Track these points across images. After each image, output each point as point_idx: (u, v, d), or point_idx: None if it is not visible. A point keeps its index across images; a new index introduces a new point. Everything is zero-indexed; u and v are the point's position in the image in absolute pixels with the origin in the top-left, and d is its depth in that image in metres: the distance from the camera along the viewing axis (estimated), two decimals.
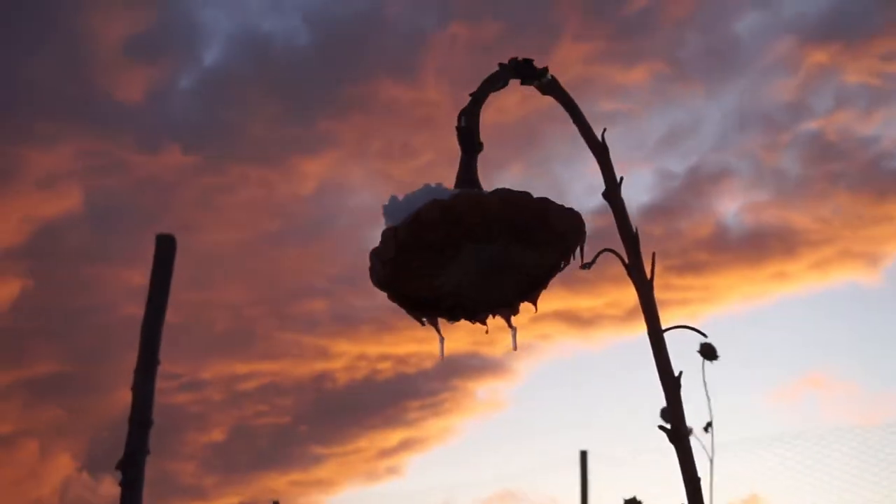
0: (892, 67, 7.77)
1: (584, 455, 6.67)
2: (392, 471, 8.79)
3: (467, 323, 0.96)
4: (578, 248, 0.93)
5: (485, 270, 0.92)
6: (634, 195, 1.08)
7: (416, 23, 8.60)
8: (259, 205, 9.05)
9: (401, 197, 0.89)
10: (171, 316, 1.78)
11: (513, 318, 0.96)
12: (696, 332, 1.02)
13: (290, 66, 8.60)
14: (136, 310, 1.81)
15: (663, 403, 1.00)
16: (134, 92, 8.81)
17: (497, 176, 0.96)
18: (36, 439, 7.97)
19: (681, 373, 0.98)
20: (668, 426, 0.98)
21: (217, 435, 8.72)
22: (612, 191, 1.01)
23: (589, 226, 0.93)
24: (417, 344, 8.30)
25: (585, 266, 0.95)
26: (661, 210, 7.79)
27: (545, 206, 0.89)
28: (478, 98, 0.97)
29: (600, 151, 1.01)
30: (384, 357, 8.65)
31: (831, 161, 8.12)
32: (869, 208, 8.10)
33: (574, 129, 1.01)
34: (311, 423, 8.88)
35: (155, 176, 8.72)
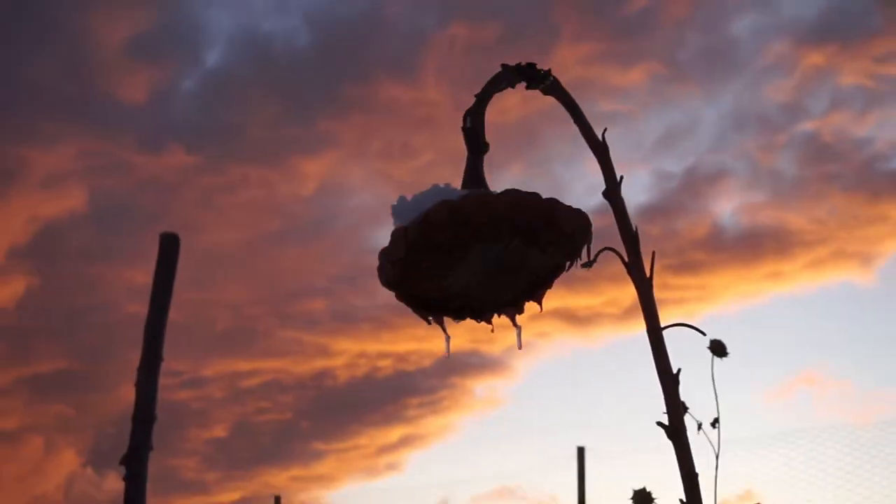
0: (886, 69, 7.81)
1: (581, 452, 6.67)
2: (391, 467, 8.82)
3: (466, 321, 0.96)
4: (585, 248, 0.94)
5: (492, 271, 0.92)
6: (632, 195, 1.09)
7: (415, 23, 8.62)
8: (260, 204, 9.08)
9: (409, 197, 0.89)
10: (173, 314, 1.80)
11: (516, 317, 0.97)
12: (694, 331, 1.03)
13: (291, 67, 8.63)
14: (140, 308, 1.82)
15: (660, 401, 1.00)
16: (136, 92, 8.84)
17: (497, 176, 0.97)
18: (41, 435, 8.01)
19: (679, 370, 0.99)
20: (667, 423, 0.98)
21: (219, 431, 8.76)
22: (613, 190, 1.01)
23: None
24: (417, 342, 8.32)
25: (587, 265, 0.95)
26: (658, 210, 7.81)
27: (553, 207, 0.89)
28: (482, 98, 0.97)
29: (601, 151, 1.02)
30: (384, 355, 8.67)
31: (826, 162, 8.16)
32: (863, 209, 8.14)
33: (573, 129, 1.02)
34: (312, 420, 8.92)
35: (157, 176, 8.76)
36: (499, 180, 0.96)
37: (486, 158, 0.97)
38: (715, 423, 1.54)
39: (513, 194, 0.88)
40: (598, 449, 6.77)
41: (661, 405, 0.99)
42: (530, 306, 0.97)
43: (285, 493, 8.03)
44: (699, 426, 1.53)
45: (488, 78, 0.98)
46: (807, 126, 8.22)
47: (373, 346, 8.68)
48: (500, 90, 0.98)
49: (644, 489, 1.09)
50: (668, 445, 0.99)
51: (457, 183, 0.94)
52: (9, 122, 8.34)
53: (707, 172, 8.40)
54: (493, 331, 0.96)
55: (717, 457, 1.52)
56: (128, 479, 1.71)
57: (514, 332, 0.96)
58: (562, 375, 8.83)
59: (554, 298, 0.99)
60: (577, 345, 8.64)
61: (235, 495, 8.41)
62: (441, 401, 8.74)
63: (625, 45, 8.36)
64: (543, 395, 9.02)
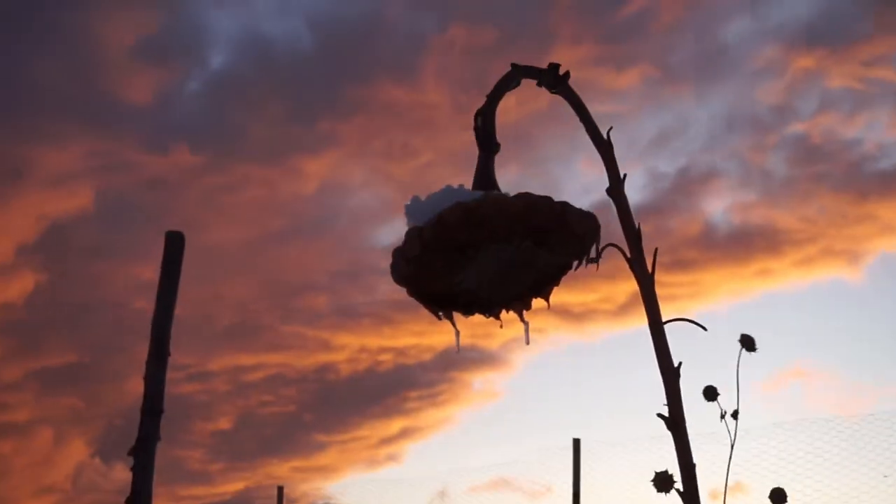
0: (874, 73, 7.88)
1: (576, 443, 6.69)
2: (391, 458, 8.87)
3: (462, 316, 0.98)
4: (594, 248, 0.95)
5: (503, 270, 0.93)
6: (626, 195, 1.10)
7: (415, 26, 8.65)
8: (263, 203, 9.13)
9: (423, 197, 0.90)
10: (178, 310, 1.82)
11: (524, 313, 0.98)
12: (695, 325, 1.03)
13: (293, 69, 8.67)
14: (146, 304, 1.85)
15: (653, 394, 1.01)
16: (142, 94, 8.90)
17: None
18: (51, 427, 8.07)
19: (680, 363, 1.00)
20: (666, 414, 0.99)
21: (224, 423, 8.81)
22: (616, 187, 1.03)
23: None
24: (416, 337, 8.36)
25: (592, 261, 0.96)
26: (651, 209, 7.87)
27: (564, 210, 0.90)
28: (493, 98, 0.98)
29: (605, 149, 1.03)
30: (384, 349, 8.71)
31: (816, 162, 8.23)
32: (851, 208, 8.20)
33: (569, 131, 1.05)
34: (314, 413, 8.96)
35: (163, 175, 8.80)
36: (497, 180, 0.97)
37: None
38: (735, 414, 1.57)
39: (526, 197, 0.89)
40: (593, 441, 6.80)
41: (654, 398, 1.00)
42: (537, 302, 0.98)
43: (288, 484, 8.07)
44: (722, 415, 1.56)
45: (486, 79, 0.99)
46: (797, 127, 8.29)
47: (373, 341, 8.72)
48: (511, 89, 0.99)
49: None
50: (662, 438, 0.99)
51: (462, 182, 0.94)
52: (18, 122, 8.40)
53: (699, 172, 8.47)
54: (501, 326, 0.97)
55: (731, 446, 1.56)
56: (135, 469, 1.73)
57: (513, 327, 0.98)
58: (558, 370, 8.86)
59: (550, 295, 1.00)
60: (572, 340, 8.69)
61: (239, 486, 8.46)
62: (440, 394, 8.79)
63: (619, 48, 8.42)
64: (540, 388, 9.07)
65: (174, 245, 1.85)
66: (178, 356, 1.81)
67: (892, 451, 5.77)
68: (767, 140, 8.40)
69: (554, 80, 1.01)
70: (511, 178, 0.97)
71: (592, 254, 0.95)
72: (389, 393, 8.82)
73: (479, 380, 9.31)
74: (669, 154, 8.77)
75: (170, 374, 1.80)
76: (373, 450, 8.87)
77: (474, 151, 0.99)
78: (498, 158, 0.99)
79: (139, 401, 1.75)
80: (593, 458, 6.78)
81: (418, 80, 8.59)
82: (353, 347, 8.75)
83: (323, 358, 8.84)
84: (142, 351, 1.78)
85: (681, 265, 7.89)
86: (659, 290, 1.01)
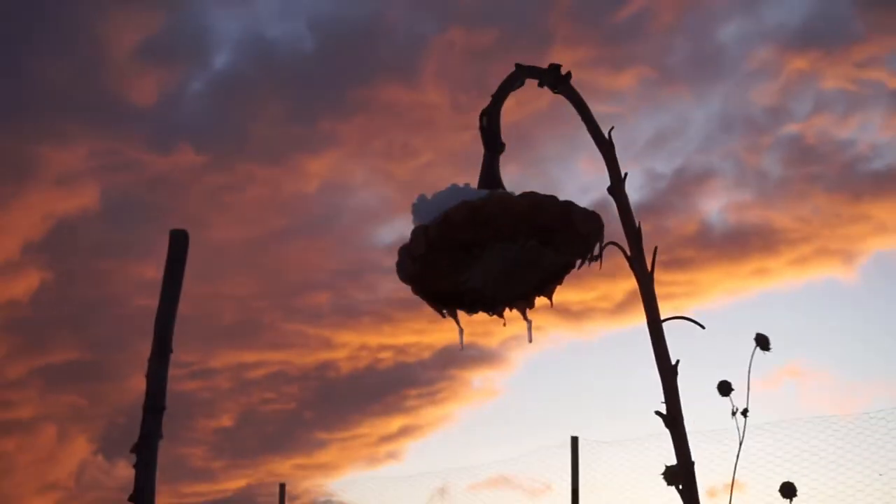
0: (867, 74, 7.93)
1: (574, 441, 6.71)
2: (392, 456, 8.90)
3: (465, 314, 0.98)
4: (597, 247, 0.95)
5: (508, 269, 0.94)
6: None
7: (416, 28, 8.69)
8: (265, 202, 9.17)
9: (429, 196, 0.91)
10: (182, 308, 1.83)
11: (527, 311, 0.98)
12: (693, 323, 1.04)
13: (295, 70, 8.71)
14: (149, 302, 1.85)
15: (650, 392, 1.02)
16: (147, 94, 8.94)
17: None
18: (54, 424, 8.11)
19: (678, 361, 1.01)
20: (664, 412, 1.00)
21: (226, 421, 8.85)
22: (617, 186, 1.04)
23: None
24: (416, 335, 8.39)
25: (594, 258, 0.97)
26: (648, 209, 7.91)
27: (570, 209, 0.91)
28: (498, 98, 0.99)
29: (607, 148, 1.04)
30: (384, 347, 8.74)
31: (810, 163, 8.28)
32: (846, 208, 8.25)
33: (567, 131, 1.06)
34: (315, 410, 8.99)
35: (167, 174, 8.84)
36: None
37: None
38: (745, 412, 1.60)
39: (531, 196, 0.89)
40: (590, 437, 6.81)
41: (652, 396, 1.01)
42: (540, 300, 0.99)
43: (289, 481, 8.10)
44: (734, 412, 1.59)
45: (486, 79, 1.01)
46: (791, 128, 8.35)
47: (374, 339, 8.75)
48: (515, 89, 1.00)
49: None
50: (661, 436, 1.00)
51: (464, 180, 0.95)
52: (24, 122, 8.44)
53: (695, 172, 8.52)
54: (504, 324, 0.98)
55: (740, 443, 1.58)
56: (138, 466, 1.74)
57: (513, 325, 0.98)
58: (556, 368, 8.90)
59: None
60: (570, 338, 8.71)
61: (241, 482, 8.50)
62: (439, 392, 8.82)
63: (616, 50, 8.46)
64: (538, 386, 9.10)
65: (178, 243, 1.85)
66: (181, 354, 1.82)
67: (887, 450, 5.80)
68: (762, 141, 8.46)
69: (556, 80, 1.02)
70: (511, 178, 0.98)
71: (595, 252, 0.96)
72: (390, 391, 8.86)
73: (479, 378, 9.36)
74: (666, 154, 8.83)
75: (172, 372, 1.81)
76: (373, 447, 8.91)
77: (474, 151, 0.99)
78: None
79: (142, 398, 1.76)
80: (592, 455, 6.80)
81: (418, 80, 8.64)
82: (354, 345, 8.79)
83: (324, 356, 8.87)
84: (145, 348, 1.80)
85: (677, 264, 7.93)
86: (657, 289, 1.02)
